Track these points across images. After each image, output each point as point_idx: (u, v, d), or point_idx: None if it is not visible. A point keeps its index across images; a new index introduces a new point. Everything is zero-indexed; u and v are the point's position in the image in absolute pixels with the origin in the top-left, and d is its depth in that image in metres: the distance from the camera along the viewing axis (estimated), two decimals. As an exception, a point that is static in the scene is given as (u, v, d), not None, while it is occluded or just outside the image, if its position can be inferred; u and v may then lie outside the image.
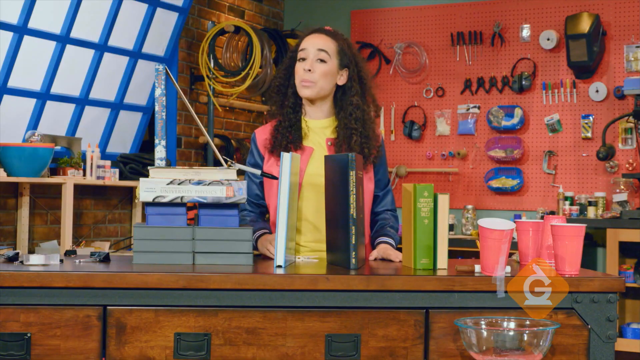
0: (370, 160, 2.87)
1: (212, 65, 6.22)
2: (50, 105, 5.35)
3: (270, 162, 2.91)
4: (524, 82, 6.37)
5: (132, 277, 2.13)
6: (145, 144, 6.09)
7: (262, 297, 2.16)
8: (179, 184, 2.35)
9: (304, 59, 2.87)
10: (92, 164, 5.22)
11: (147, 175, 2.41)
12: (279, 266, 2.34)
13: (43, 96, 5.27)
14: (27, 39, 5.05)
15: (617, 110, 6.15)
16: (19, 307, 2.13)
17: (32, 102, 5.26)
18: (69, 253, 2.58)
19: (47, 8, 5.10)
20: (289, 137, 2.89)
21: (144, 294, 2.15)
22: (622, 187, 6.02)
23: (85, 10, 5.31)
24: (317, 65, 2.85)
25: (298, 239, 2.84)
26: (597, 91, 6.19)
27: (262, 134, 2.96)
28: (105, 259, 2.40)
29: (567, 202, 6.09)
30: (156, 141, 2.46)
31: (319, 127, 2.92)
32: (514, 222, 2.30)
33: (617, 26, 6.17)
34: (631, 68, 6.08)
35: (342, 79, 2.90)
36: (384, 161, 2.95)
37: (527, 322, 2.10)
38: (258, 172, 2.72)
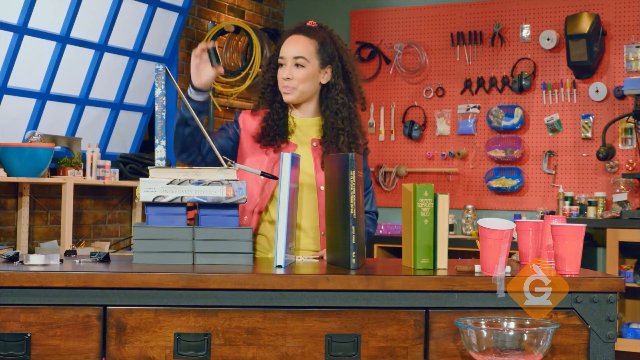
0: None
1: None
2: (50, 105, 5.35)
3: (255, 152, 2.87)
4: (524, 82, 6.37)
5: (132, 277, 2.13)
6: (145, 144, 6.09)
7: (262, 297, 2.16)
8: (179, 184, 2.35)
9: (282, 65, 2.85)
10: (92, 164, 5.22)
11: (147, 175, 2.41)
12: (279, 266, 2.34)
13: (43, 96, 5.27)
14: (27, 39, 5.04)
15: (617, 110, 6.14)
16: (19, 307, 2.13)
17: (32, 102, 5.26)
18: (69, 253, 2.58)
19: (47, 8, 5.10)
20: (277, 130, 2.87)
21: (144, 294, 2.14)
22: (622, 187, 6.01)
23: (85, 10, 5.31)
24: (295, 72, 2.82)
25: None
26: (597, 91, 6.19)
27: (250, 119, 2.91)
28: (105, 259, 2.40)
29: (567, 202, 6.09)
30: (156, 141, 2.46)
31: (305, 125, 2.90)
32: (514, 222, 2.30)
33: (617, 26, 6.17)
34: (631, 68, 6.07)
35: (325, 77, 2.86)
36: (364, 162, 2.91)
37: (527, 322, 2.09)
38: (258, 172, 2.71)
